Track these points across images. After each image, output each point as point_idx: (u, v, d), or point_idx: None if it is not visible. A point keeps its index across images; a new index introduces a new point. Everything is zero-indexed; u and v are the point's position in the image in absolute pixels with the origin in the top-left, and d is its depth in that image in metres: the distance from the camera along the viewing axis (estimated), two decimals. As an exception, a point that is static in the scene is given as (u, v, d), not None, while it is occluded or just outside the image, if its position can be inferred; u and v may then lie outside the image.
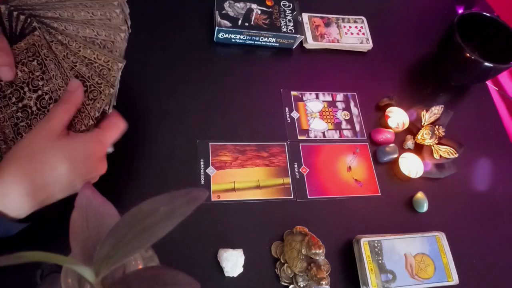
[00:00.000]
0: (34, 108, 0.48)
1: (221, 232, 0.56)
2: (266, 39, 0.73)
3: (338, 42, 0.77)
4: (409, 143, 0.69)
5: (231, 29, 0.70)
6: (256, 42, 0.73)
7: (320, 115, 0.70)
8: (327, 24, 0.79)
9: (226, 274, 0.52)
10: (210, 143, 0.63)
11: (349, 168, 0.66)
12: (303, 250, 0.53)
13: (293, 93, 0.71)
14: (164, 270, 0.26)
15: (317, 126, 0.69)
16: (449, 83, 0.79)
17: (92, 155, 0.43)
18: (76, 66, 0.48)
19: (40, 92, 0.48)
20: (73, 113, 0.45)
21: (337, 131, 0.69)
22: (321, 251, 0.52)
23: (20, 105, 0.48)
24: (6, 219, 0.39)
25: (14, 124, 0.48)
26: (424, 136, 0.69)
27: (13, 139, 0.47)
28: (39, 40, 0.49)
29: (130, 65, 0.51)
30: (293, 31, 0.72)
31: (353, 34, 0.78)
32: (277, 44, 0.74)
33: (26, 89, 0.48)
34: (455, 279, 0.56)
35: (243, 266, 0.53)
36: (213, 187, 0.59)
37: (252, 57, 0.74)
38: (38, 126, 0.42)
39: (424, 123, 0.70)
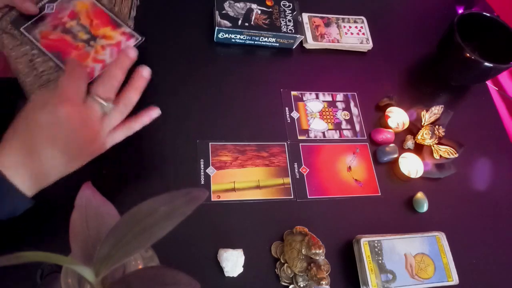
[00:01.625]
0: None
1: (221, 232, 0.56)
2: (266, 39, 0.73)
3: (338, 42, 0.77)
4: (409, 143, 0.69)
5: (231, 29, 0.70)
6: (256, 42, 0.73)
7: (320, 115, 0.70)
8: (327, 24, 0.79)
9: (226, 274, 0.52)
10: (210, 143, 0.63)
11: (349, 168, 0.66)
12: (303, 250, 0.53)
13: (293, 93, 0.71)
14: (164, 270, 0.26)
15: (317, 126, 0.69)
16: (449, 83, 0.79)
17: (77, 129, 0.42)
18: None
19: (41, 70, 0.53)
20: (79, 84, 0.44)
21: (337, 131, 0.69)
22: (321, 251, 0.52)
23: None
24: (17, 193, 0.39)
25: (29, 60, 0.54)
26: (424, 136, 0.69)
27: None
28: (6, 27, 0.54)
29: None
30: (293, 31, 0.72)
31: (353, 34, 0.78)
32: (277, 44, 0.74)
33: (32, 76, 0.53)
34: (455, 279, 0.56)
35: (243, 266, 0.53)
36: (213, 187, 0.59)
37: (252, 57, 0.74)
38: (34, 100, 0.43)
39: (424, 123, 0.70)
